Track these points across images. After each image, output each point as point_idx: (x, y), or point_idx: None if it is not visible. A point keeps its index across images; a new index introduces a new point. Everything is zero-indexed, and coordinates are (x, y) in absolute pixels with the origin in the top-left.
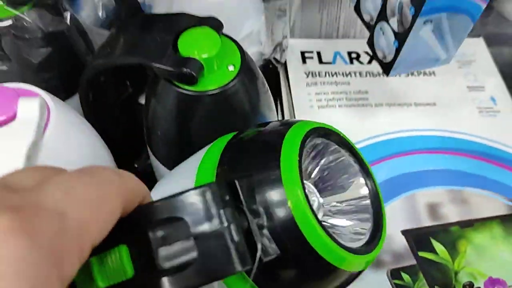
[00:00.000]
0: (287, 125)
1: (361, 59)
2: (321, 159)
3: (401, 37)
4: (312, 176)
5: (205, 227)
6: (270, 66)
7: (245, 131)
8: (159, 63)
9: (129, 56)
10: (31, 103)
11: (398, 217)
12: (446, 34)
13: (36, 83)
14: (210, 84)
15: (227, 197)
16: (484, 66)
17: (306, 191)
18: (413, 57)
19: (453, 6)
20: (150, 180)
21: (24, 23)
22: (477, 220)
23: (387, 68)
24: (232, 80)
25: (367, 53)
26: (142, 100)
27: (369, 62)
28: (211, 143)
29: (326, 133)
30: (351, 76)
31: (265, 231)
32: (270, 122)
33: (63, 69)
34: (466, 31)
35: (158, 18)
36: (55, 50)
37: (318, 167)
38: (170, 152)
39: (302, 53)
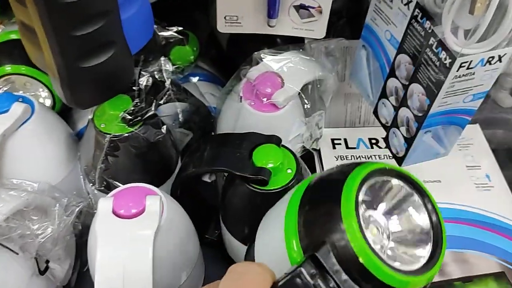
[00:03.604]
0: (350, 166)
1: (379, 144)
2: (386, 195)
3: (408, 141)
4: (380, 208)
5: None
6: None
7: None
8: (241, 172)
9: (216, 166)
10: (155, 200)
11: None
12: (443, 138)
13: (142, 176)
14: (276, 184)
15: (315, 271)
16: (480, 148)
17: (372, 224)
18: (419, 153)
19: (446, 121)
20: (220, 246)
21: (137, 136)
22: (475, 276)
23: (399, 161)
24: (291, 180)
25: (383, 139)
26: (205, 178)
27: (386, 147)
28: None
29: (388, 172)
30: (371, 158)
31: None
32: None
33: (160, 166)
34: (458, 135)
35: (232, 136)
36: (155, 153)
37: (385, 202)
38: (241, 229)
39: (332, 140)
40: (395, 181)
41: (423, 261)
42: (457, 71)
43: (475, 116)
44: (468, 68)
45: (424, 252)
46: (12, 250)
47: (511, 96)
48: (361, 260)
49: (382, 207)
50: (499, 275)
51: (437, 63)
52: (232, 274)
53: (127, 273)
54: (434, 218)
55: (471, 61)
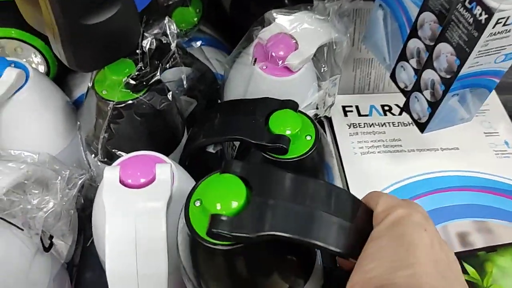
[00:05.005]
0: None
1: (393, 111)
2: None
3: (433, 105)
4: None
5: None
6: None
7: None
8: (259, 140)
9: (230, 135)
10: (165, 168)
11: None
12: (469, 101)
13: (147, 145)
14: (295, 152)
15: None
16: (497, 114)
17: None
18: (443, 119)
19: (474, 84)
20: None
21: (142, 103)
22: (499, 246)
23: (422, 127)
24: (311, 148)
25: (397, 105)
26: (210, 149)
27: (400, 114)
28: None
29: None
30: (385, 126)
31: None
32: None
33: (166, 135)
34: (484, 98)
35: (244, 102)
36: (161, 121)
37: None
38: None
39: (343, 107)
40: None
41: None
42: (493, 27)
43: None
44: (504, 25)
45: None
46: (16, 226)
47: None
48: None
49: None
50: None
51: (470, 20)
52: None
53: (140, 246)
54: None
55: (509, 17)
